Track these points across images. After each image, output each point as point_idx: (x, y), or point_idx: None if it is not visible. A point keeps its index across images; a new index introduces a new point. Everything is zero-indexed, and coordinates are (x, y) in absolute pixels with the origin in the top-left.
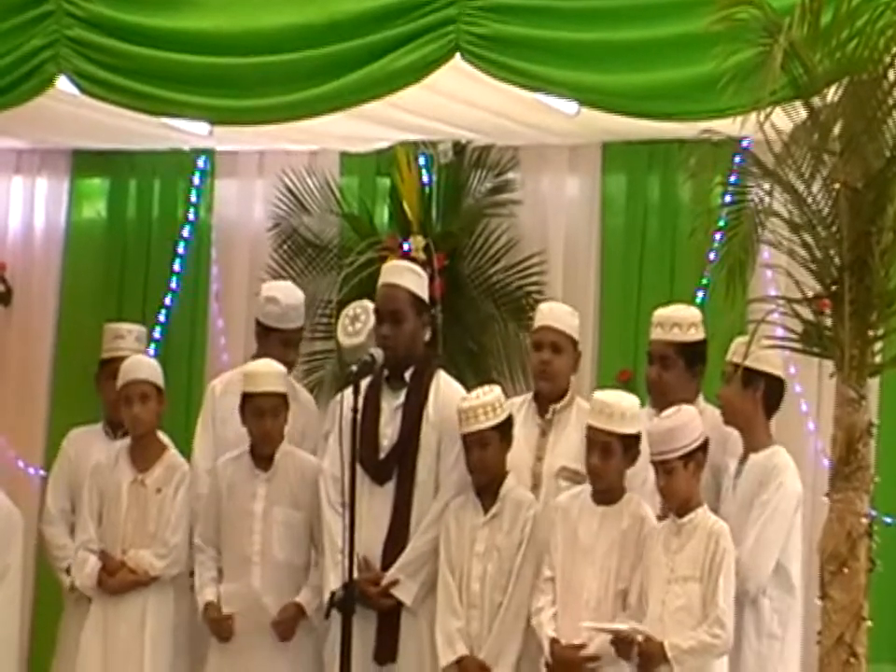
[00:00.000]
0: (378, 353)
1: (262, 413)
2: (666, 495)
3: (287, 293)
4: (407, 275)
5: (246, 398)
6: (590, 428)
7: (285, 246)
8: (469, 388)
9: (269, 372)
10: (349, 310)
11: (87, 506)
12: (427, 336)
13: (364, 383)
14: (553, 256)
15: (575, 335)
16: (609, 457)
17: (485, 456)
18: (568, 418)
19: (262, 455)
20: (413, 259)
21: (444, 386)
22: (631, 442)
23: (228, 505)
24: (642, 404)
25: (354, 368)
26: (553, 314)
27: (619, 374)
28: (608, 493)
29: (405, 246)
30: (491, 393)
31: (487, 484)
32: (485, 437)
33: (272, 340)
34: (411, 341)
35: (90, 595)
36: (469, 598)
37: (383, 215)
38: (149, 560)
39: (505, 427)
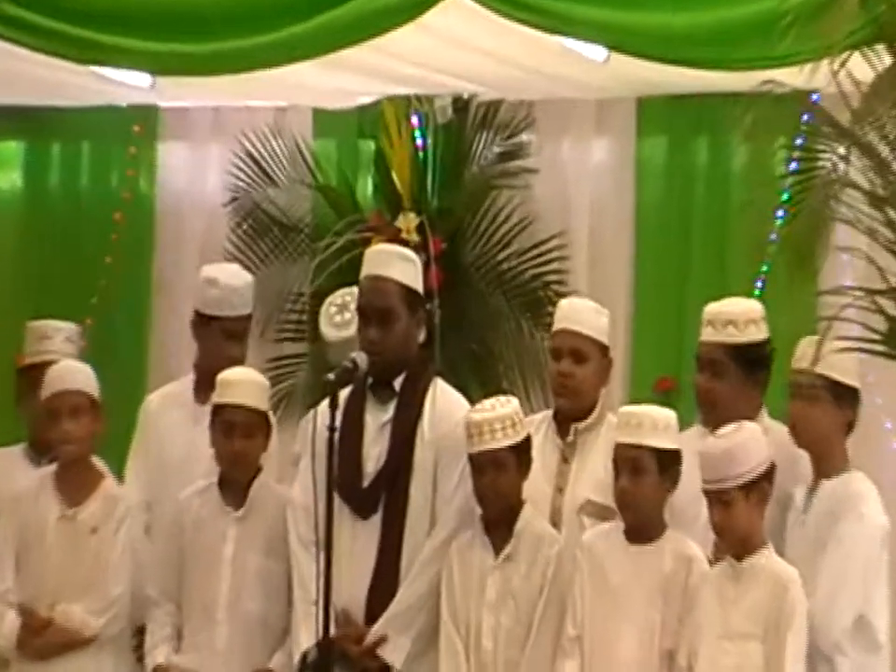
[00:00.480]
0: (361, 357)
1: (232, 429)
2: (722, 532)
3: (230, 273)
4: (397, 263)
5: (216, 410)
6: (617, 447)
7: (245, 225)
8: (473, 401)
9: (245, 381)
10: (336, 297)
11: (2, 547)
12: (422, 337)
13: (343, 394)
14: (576, 237)
15: (604, 339)
16: (640, 478)
17: (499, 482)
18: (595, 441)
19: (233, 488)
20: (405, 243)
21: (442, 398)
22: (667, 460)
23: (191, 548)
24: (690, 420)
25: (331, 376)
26: (576, 313)
27: (657, 383)
28: (643, 527)
29: (395, 226)
30: (508, 405)
31: (499, 517)
32: (500, 458)
33: (211, 331)
34: (402, 344)
35: (7, 658)
36: (479, 657)
37: (366, 187)
38: (83, 617)
39: (523, 449)
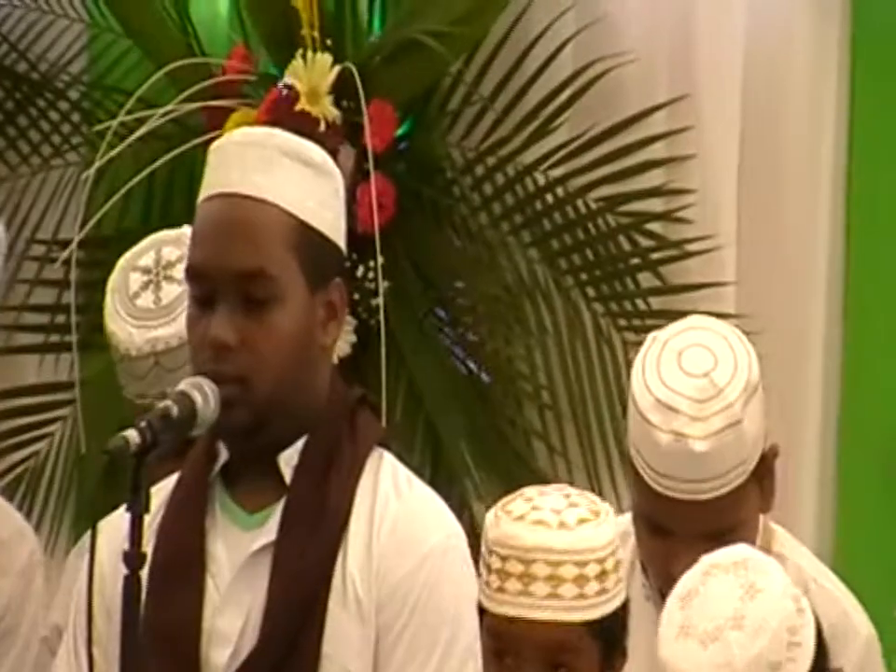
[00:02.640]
0: (203, 389)
1: None
2: None
3: None
4: (281, 169)
5: None
6: None
7: None
8: (483, 500)
9: None
10: (139, 253)
11: None
12: (343, 346)
13: (163, 488)
14: (706, 114)
15: (755, 461)
16: None
17: None
18: None
19: None
20: (307, 125)
21: (395, 497)
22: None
23: None
24: None
25: (129, 439)
26: (694, 462)
27: None
28: None
29: (281, 86)
30: (586, 509)
31: None
32: (566, 641)
33: None
34: (294, 359)
35: None
36: None
37: None
38: None
39: (611, 626)
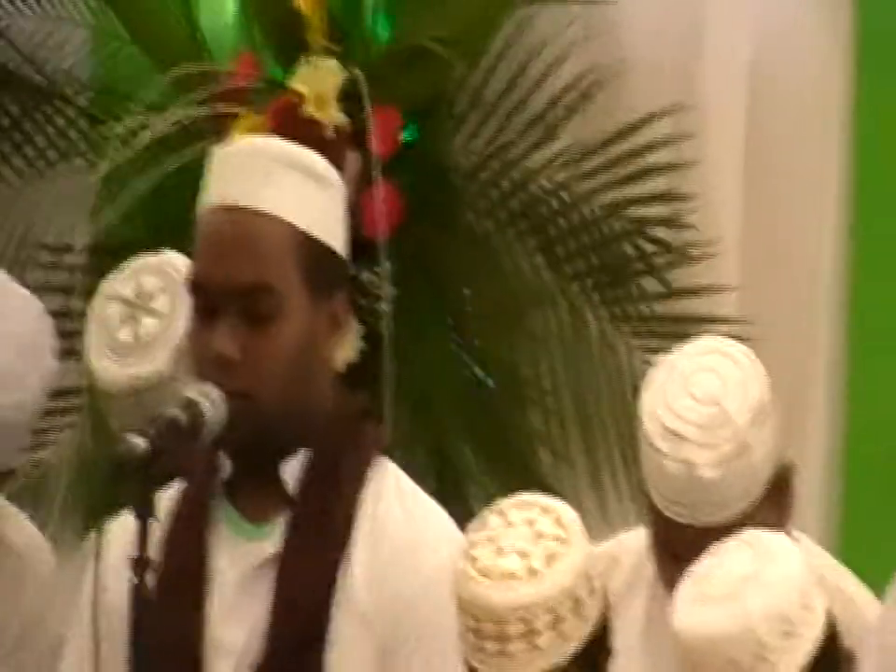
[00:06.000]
0: (210, 397)
1: None
2: None
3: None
4: (284, 178)
5: None
6: None
7: None
8: (462, 511)
9: None
10: (127, 278)
11: None
12: (346, 354)
13: (166, 499)
14: (711, 118)
15: (764, 481)
16: None
17: None
18: None
19: None
20: (311, 130)
21: (399, 510)
22: None
23: None
24: None
25: (134, 444)
26: (702, 492)
27: None
28: None
29: (286, 89)
30: (560, 548)
31: None
32: None
33: None
34: (297, 373)
35: None
36: None
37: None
38: None
39: (592, 651)
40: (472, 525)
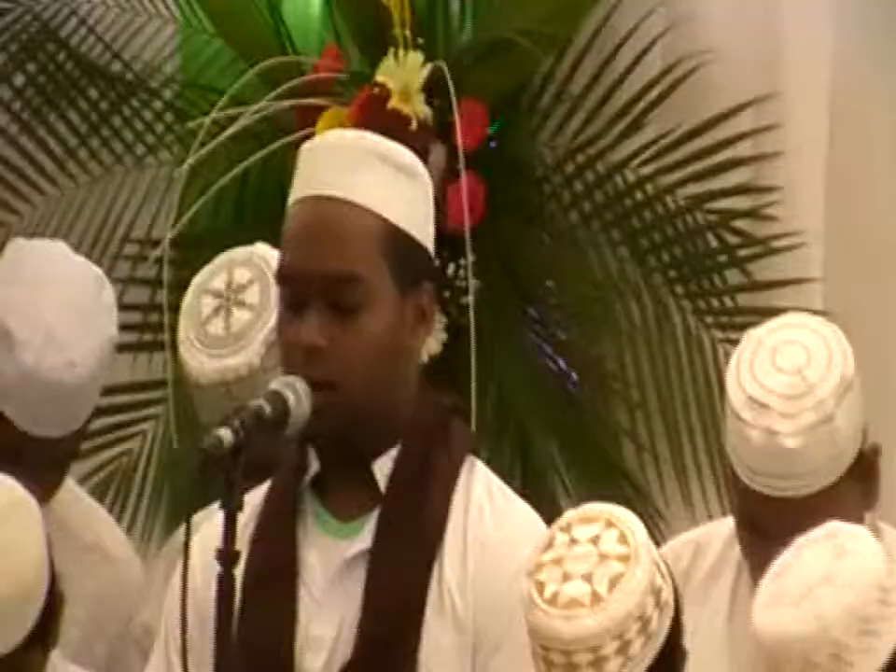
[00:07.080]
0: (296, 390)
1: None
2: None
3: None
4: (371, 171)
5: None
6: None
7: (21, 79)
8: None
9: None
10: (213, 275)
11: None
12: (437, 346)
13: (254, 497)
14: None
15: (852, 455)
16: None
17: None
18: None
19: None
20: (398, 124)
21: (492, 509)
22: None
23: None
24: None
25: (221, 436)
26: (783, 460)
27: None
28: None
29: (373, 84)
30: (621, 578)
31: None
32: None
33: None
34: (384, 368)
35: None
36: None
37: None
38: None
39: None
40: (538, 544)
